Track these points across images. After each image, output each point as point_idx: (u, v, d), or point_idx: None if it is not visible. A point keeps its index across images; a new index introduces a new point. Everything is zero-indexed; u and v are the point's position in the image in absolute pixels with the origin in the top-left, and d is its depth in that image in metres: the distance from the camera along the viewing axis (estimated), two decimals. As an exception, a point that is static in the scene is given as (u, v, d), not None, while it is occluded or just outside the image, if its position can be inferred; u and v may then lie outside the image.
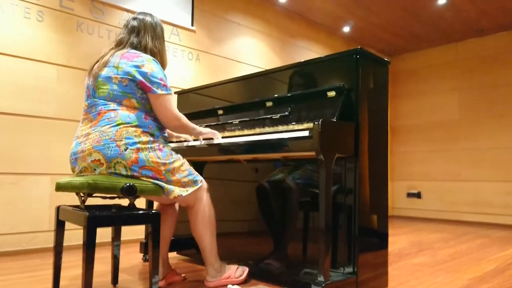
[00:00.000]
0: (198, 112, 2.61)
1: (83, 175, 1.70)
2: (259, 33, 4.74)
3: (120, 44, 1.90)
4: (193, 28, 4.05)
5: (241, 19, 4.54)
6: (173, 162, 1.79)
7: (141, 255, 2.73)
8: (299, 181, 2.13)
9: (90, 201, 1.67)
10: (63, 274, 1.99)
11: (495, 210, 5.42)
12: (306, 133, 1.69)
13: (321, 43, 5.56)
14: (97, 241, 1.48)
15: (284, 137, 1.77)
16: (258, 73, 2.49)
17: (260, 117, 2.19)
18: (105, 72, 1.78)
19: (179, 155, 1.88)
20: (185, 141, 2.24)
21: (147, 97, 1.80)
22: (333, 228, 1.87)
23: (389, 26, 5.52)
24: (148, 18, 1.97)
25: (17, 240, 2.88)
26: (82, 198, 1.66)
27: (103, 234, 2.01)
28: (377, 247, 2.04)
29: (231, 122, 2.33)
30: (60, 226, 1.76)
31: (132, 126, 1.72)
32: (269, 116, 2.14)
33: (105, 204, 1.82)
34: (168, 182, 1.76)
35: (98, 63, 1.83)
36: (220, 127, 2.36)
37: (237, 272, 2.03)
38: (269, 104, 2.21)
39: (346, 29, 5.64)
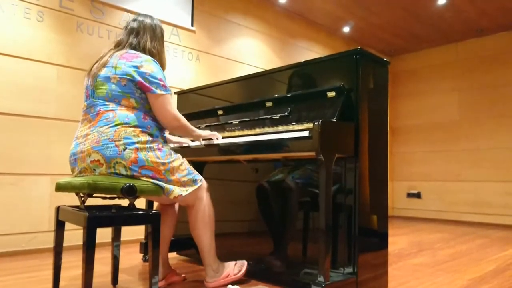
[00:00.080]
0: (198, 113, 2.61)
1: (83, 176, 1.70)
2: (259, 34, 4.74)
3: (119, 45, 1.91)
4: (193, 28, 4.05)
5: (241, 19, 4.54)
6: (173, 161, 1.79)
7: (141, 255, 2.72)
8: (299, 181, 2.13)
9: (90, 202, 1.67)
10: (63, 274, 1.99)
11: (495, 211, 5.42)
12: (306, 133, 1.69)
13: (321, 44, 5.56)
14: (97, 241, 1.48)
15: (284, 137, 1.77)
16: (258, 73, 2.49)
17: (260, 117, 2.19)
18: (103, 72, 1.78)
19: (178, 154, 1.88)
20: (187, 146, 2.24)
21: (146, 97, 1.80)
22: (333, 228, 1.87)
23: (389, 27, 5.52)
24: (148, 20, 1.97)
25: (17, 241, 2.87)
26: (82, 198, 1.66)
27: (103, 234, 2.01)
28: (377, 247, 2.04)
29: (231, 123, 2.33)
30: (60, 227, 1.76)
31: (130, 126, 1.72)
32: (269, 116, 2.14)
33: (105, 205, 1.82)
34: (168, 181, 1.76)
35: (97, 63, 1.84)
36: (220, 127, 2.36)
37: (235, 268, 2.03)
38: (269, 104, 2.21)
39: (346, 29, 5.64)
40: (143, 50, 1.89)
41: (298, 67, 2.28)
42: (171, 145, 2.28)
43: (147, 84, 1.76)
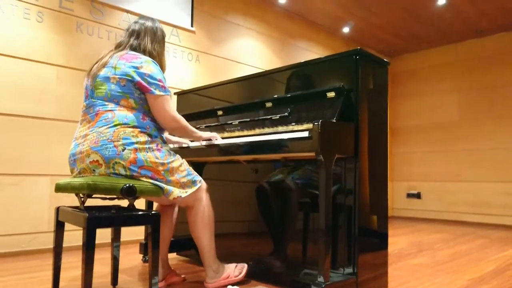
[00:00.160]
0: (198, 113, 2.61)
1: (82, 176, 1.70)
2: (258, 34, 4.74)
3: (119, 46, 1.91)
4: (193, 29, 4.05)
5: (240, 20, 4.54)
6: (172, 162, 1.79)
7: (141, 256, 2.72)
8: (299, 182, 2.13)
9: (90, 202, 1.67)
10: (62, 275, 1.99)
11: (495, 211, 5.42)
12: (305, 134, 1.69)
13: (321, 44, 5.56)
14: (96, 242, 1.48)
15: (284, 137, 1.77)
16: (258, 74, 2.48)
17: (260, 117, 2.19)
18: (103, 72, 1.78)
19: (177, 155, 1.88)
20: (187, 147, 2.24)
21: (145, 97, 1.80)
22: (333, 229, 1.87)
23: (389, 27, 5.52)
24: (149, 23, 1.97)
25: (17, 241, 2.87)
26: (82, 199, 1.66)
27: (103, 235, 2.01)
28: (377, 248, 2.04)
29: (231, 123, 2.33)
30: (59, 227, 1.76)
31: (129, 127, 1.71)
32: (269, 116, 2.14)
33: (104, 205, 1.82)
34: (167, 182, 1.76)
35: (97, 64, 1.84)
36: (220, 128, 2.36)
37: (235, 270, 2.03)
38: (268, 104, 2.21)
39: (346, 29, 5.64)
40: (144, 52, 1.89)
41: (298, 68, 2.28)
42: (171, 145, 2.28)
43: (146, 85, 1.76)
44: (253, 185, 2.32)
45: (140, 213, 1.62)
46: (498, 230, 4.86)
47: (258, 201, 2.30)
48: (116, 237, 1.98)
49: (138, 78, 1.75)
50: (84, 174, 1.70)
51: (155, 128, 1.83)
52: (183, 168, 1.84)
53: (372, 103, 2.01)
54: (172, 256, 2.72)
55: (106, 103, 1.74)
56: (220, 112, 2.48)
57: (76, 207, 1.70)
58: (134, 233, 3.38)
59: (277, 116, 2.09)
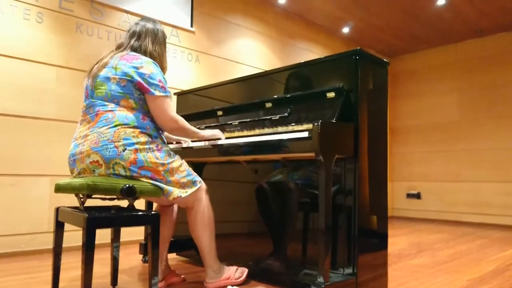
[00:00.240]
0: (198, 113, 2.61)
1: (82, 177, 1.70)
2: (258, 34, 4.74)
3: (120, 47, 1.91)
4: (193, 29, 4.05)
5: (240, 20, 4.54)
6: (172, 162, 1.79)
7: (141, 256, 2.72)
8: (298, 182, 2.13)
9: (90, 202, 1.67)
10: (62, 275, 1.99)
11: (495, 211, 5.42)
12: (305, 134, 1.69)
13: (320, 44, 5.56)
14: (96, 242, 1.48)
15: (284, 138, 1.77)
16: (258, 74, 2.49)
17: (260, 118, 2.19)
18: (103, 72, 1.78)
19: (177, 155, 1.88)
20: (187, 146, 2.23)
21: (145, 98, 1.80)
22: (332, 229, 1.87)
23: (389, 27, 5.52)
24: (150, 24, 1.97)
25: (16, 241, 2.87)
26: (82, 199, 1.66)
27: (103, 235, 2.01)
28: (377, 248, 2.04)
29: (231, 123, 2.33)
30: (59, 227, 1.76)
31: (130, 127, 1.72)
32: (269, 117, 2.14)
33: (104, 206, 1.82)
34: (167, 182, 1.76)
35: (97, 64, 1.84)
36: (220, 128, 2.35)
37: (236, 273, 2.03)
38: (268, 105, 2.21)
39: (346, 30, 5.64)
40: (144, 53, 1.89)
41: (297, 68, 2.28)
42: (171, 145, 2.28)
43: (146, 85, 1.76)
44: (253, 185, 2.32)
45: (139, 213, 1.62)
46: (498, 230, 4.86)
47: (258, 202, 2.30)
48: (116, 237, 1.97)
49: (138, 78, 1.75)
50: (84, 174, 1.70)
51: (155, 128, 1.83)
52: (183, 168, 1.84)
53: (372, 103, 2.01)
54: (172, 256, 2.72)
55: (106, 103, 1.74)
56: (220, 113, 2.48)
57: (76, 208, 1.70)
58: (134, 234, 3.38)
59: (277, 117, 2.09)
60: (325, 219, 1.67)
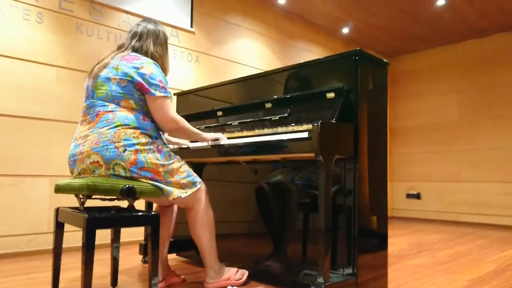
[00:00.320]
0: (198, 114, 2.61)
1: (82, 177, 1.70)
2: (258, 35, 4.74)
3: (121, 48, 1.91)
4: (192, 29, 4.05)
5: (240, 20, 4.54)
6: (172, 163, 1.79)
7: (141, 256, 2.72)
8: (298, 183, 2.13)
9: (89, 203, 1.67)
10: (62, 276, 1.99)
11: (495, 211, 5.42)
12: (305, 135, 1.69)
13: (320, 45, 5.57)
14: (96, 243, 1.48)
15: (284, 138, 1.77)
16: (258, 75, 2.49)
17: (260, 118, 2.19)
18: (104, 73, 1.78)
19: (178, 156, 1.88)
20: (187, 147, 2.23)
21: (145, 98, 1.80)
22: (332, 229, 1.87)
23: (388, 28, 5.52)
24: (151, 25, 1.97)
25: (16, 242, 2.87)
26: (81, 199, 1.66)
27: (102, 235, 2.01)
28: (377, 248, 2.04)
29: (231, 124, 2.33)
30: (59, 228, 1.76)
31: (130, 128, 1.72)
32: (269, 117, 2.14)
33: (104, 206, 1.82)
34: (167, 183, 1.76)
35: (98, 64, 1.84)
36: (220, 129, 2.36)
37: (237, 274, 2.03)
38: (268, 105, 2.21)
39: (346, 30, 5.65)
40: (146, 54, 1.89)
41: (297, 68, 2.28)
42: (171, 146, 2.28)
43: (146, 86, 1.76)
44: (253, 186, 2.32)
45: (139, 214, 1.62)
46: (498, 230, 4.86)
47: (257, 202, 2.30)
48: (115, 238, 1.97)
49: (138, 79, 1.75)
50: (84, 175, 1.70)
51: (156, 129, 1.83)
52: (183, 169, 1.84)
53: (371, 103, 2.01)
54: (172, 256, 2.72)
55: (107, 103, 1.74)
56: (219, 113, 2.48)
57: (76, 208, 1.70)
58: (133, 234, 3.38)
59: (277, 117, 2.09)
60: (325, 219, 1.67)
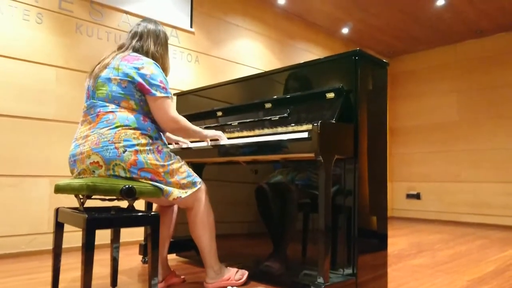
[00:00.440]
0: (198, 114, 2.61)
1: (82, 177, 1.70)
2: (258, 35, 4.74)
3: (122, 48, 1.91)
4: (192, 30, 4.05)
5: (240, 21, 4.54)
6: (172, 164, 1.79)
7: (140, 257, 2.72)
8: (298, 183, 2.13)
9: (89, 203, 1.67)
10: (62, 276, 1.99)
11: (495, 211, 5.42)
12: (305, 135, 1.69)
13: (320, 45, 5.57)
14: (96, 243, 1.48)
15: (283, 138, 1.77)
16: (257, 75, 2.49)
17: (259, 118, 2.19)
18: (105, 73, 1.78)
19: (178, 157, 1.88)
20: (186, 147, 2.23)
21: (145, 99, 1.80)
22: (332, 230, 1.87)
23: (388, 28, 5.53)
24: (152, 25, 1.97)
25: (16, 242, 2.87)
26: (81, 200, 1.66)
27: (102, 236, 2.01)
28: (377, 248, 2.04)
29: (230, 124, 2.33)
30: (59, 228, 1.76)
31: (130, 129, 1.72)
32: (268, 117, 2.14)
33: (104, 206, 1.82)
34: (167, 184, 1.76)
35: (99, 64, 1.84)
36: (220, 129, 2.35)
37: (236, 275, 2.03)
38: (268, 105, 2.21)
39: (345, 30, 5.65)
40: (146, 54, 1.89)
41: (297, 69, 2.28)
42: (171, 146, 2.28)
43: (147, 86, 1.76)
44: (253, 186, 2.32)
45: (139, 214, 1.62)
46: (498, 230, 4.86)
47: (257, 202, 2.30)
48: (115, 238, 1.97)
49: (139, 79, 1.75)
50: (84, 175, 1.70)
51: (156, 130, 1.83)
52: (183, 169, 1.84)
53: (371, 104, 2.01)
54: (172, 257, 2.72)
55: (107, 104, 1.74)
56: (219, 113, 2.48)
57: (76, 208, 1.70)
58: (133, 234, 3.38)
59: (277, 117, 2.09)
60: (324, 219, 1.67)
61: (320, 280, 1.66)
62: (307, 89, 2.16)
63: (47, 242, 2.96)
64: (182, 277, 2.16)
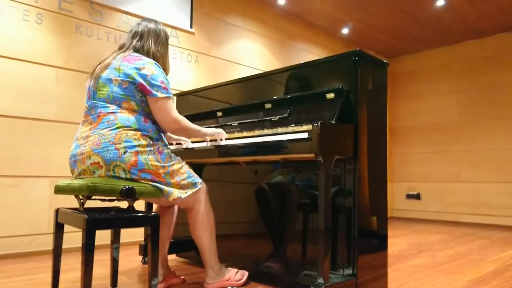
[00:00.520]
0: (198, 114, 2.61)
1: (82, 178, 1.70)
2: (258, 35, 4.75)
3: (122, 48, 1.91)
4: (192, 30, 4.05)
5: (240, 21, 4.54)
6: (172, 165, 1.79)
7: (140, 257, 2.72)
8: (298, 183, 2.13)
9: (89, 204, 1.67)
10: (62, 277, 1.99)
11: (495, 211, 5.42)
12: (305, 135, 1.69)
13: (320, 45, 5.57)
14: (96, 243, 1.48)
15: (283, 139, 1.77)
16: (257, 75, 2.49)
17: (259, 119, 2.19)
18: (106, 74, 1.78)
19: (178, 157, 1.88)
20: (186, 147, 2.23)
21: (146, 100, 1.80)
22: (332, 230, 1.87)
23: (388, 28, 5.53)
24: (152, 24, 1.97)
25: (16, 243, 2.87)
26: (81, 200, 1.66)
27: (102, 236, 2.01)
28: (377, 249, 2.04)
29: (230, 124, 2.33)
30: (59, 229, 1.76)
31: (131, 130, 1.72)
32: (268, 118, 2.14)
33: (104, 207, 1.82)
34: (168, 184, 1.76)
35: (100, 65, 1.84)
36: (219, 129, 2.35)
37: (237, 275, 2.02)
38: (268, 106, 2.21)
39: (345, 31, 5.65)
40: (147, 54, 1.89)
41: (297, 69, 2.28)
42: (171, 146, 2.27)
43: (148, 87, 1.76)
44: (253, 186, 2.32)
45: (139, 214, 1.62)
46: (498, 230, 4.86)
47: (257, 203, 2.30)
48: (115, 238, 1.97)
49: (140, 80, 1.75)
50: (84, 175, 1.70)
51: (157, 131, 1.83)
52: (183, 170, 1.84)
53: (371, 104, 2.01)
54: (172, 257, 2.72)
55: (108, 105, 1.74)
56: (219, 114, 2.48)
57: (76, 209, 1.70)
58: (133, 235, 3.38)
59: (277, 118, 2.09)
60: (324, 220, 1.67)
61: (320, 280, 1.66)
62: (307, 89, 2.16)
63: (47, 243, 2.96)
64: (182, 277, 2.16)
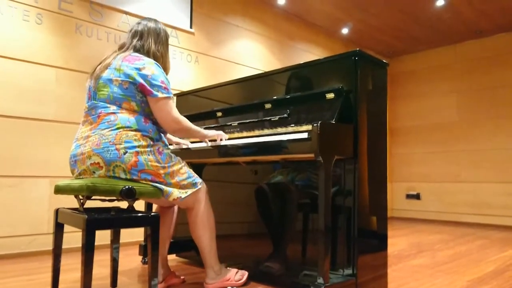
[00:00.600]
0: (197, 114, 2.61)
1: (82, 178, 1.70)
2: (258, 35, 4.75)
3: (123, 47, 1.91)
4: (192, 30, 4.05)
5: (239, 21, 4.54)
6: (173, 165, 1.79)
7: (140, 257, 2.72)
8: (298, 183, 2.13)
9: (89, 204, 1.67)
10: (62, 277, 1.99)
11: (495, 211, 5.42)
12: (305, 135, 1.69)
13: (320, 45, 5.57)
14: (96, 243, 1.48)
15: (283, 139, 1.77)
16: (257, 75, 2.49)
17: (259, 119, 2.19)
18: (106, 74, 1.78)
19: (178, 158, 1.88)
20: (186, 148, 2.23)
21: (146, 100, 1.79)
22: (332, 230, 1.87)
23: (388, 28, 5.53)
24: (152, 24, 1.97)
25: (16, 243, 2.87)
26: (81, 200, 1.66)
27: (102, 236, 2.01)
28: (377, 249, 2.04)
29: (230, 124, 2.33)
30: (59, 229, 1.76)
31: (131, 130, 1.71)
32: (268, 118, 2.14)
33: (104, 207, 1.82)
34: (168, 184, 1.76)
35: (100, 65, 1.84)
36: (219, 129, 2.35)
37: (236, 275, 2.02)
38: (268, 106, 2.21)
39: (345, 31, 5.65)
40: (147, 53, 1.89)
41: (297, 69, 2.28)
42: (171, 147, 2.27)
43: (148, 87, 1.75)
44: (253, 186, 2.32)
45: (139, 214, 1.62)
46: (498, 230, 4.86)
47: (257, 203, 2.30)
48: (115, 238, 1.97)
49: (140, 80, 1.75)
50: (84, 175, 1.70)
51: (157, 131, 1.83)
52: (183, 170, 1.84)
53: (371, 104, 2.01)
54: (172, 257, 2.71)
55: (108, 105, 1.74)
56: (219, 114, 2.48)
57: (76, 209, 1.70)
58: (133, 235, 3.38)
59: (276, 118, 2.09)
60: (324, 220, 1.67)
61: (320, 280, 1.66)
62: (307, 89, 2.16)
63: (47, 243, 2.96)
64: (182, 277, 2.16)
